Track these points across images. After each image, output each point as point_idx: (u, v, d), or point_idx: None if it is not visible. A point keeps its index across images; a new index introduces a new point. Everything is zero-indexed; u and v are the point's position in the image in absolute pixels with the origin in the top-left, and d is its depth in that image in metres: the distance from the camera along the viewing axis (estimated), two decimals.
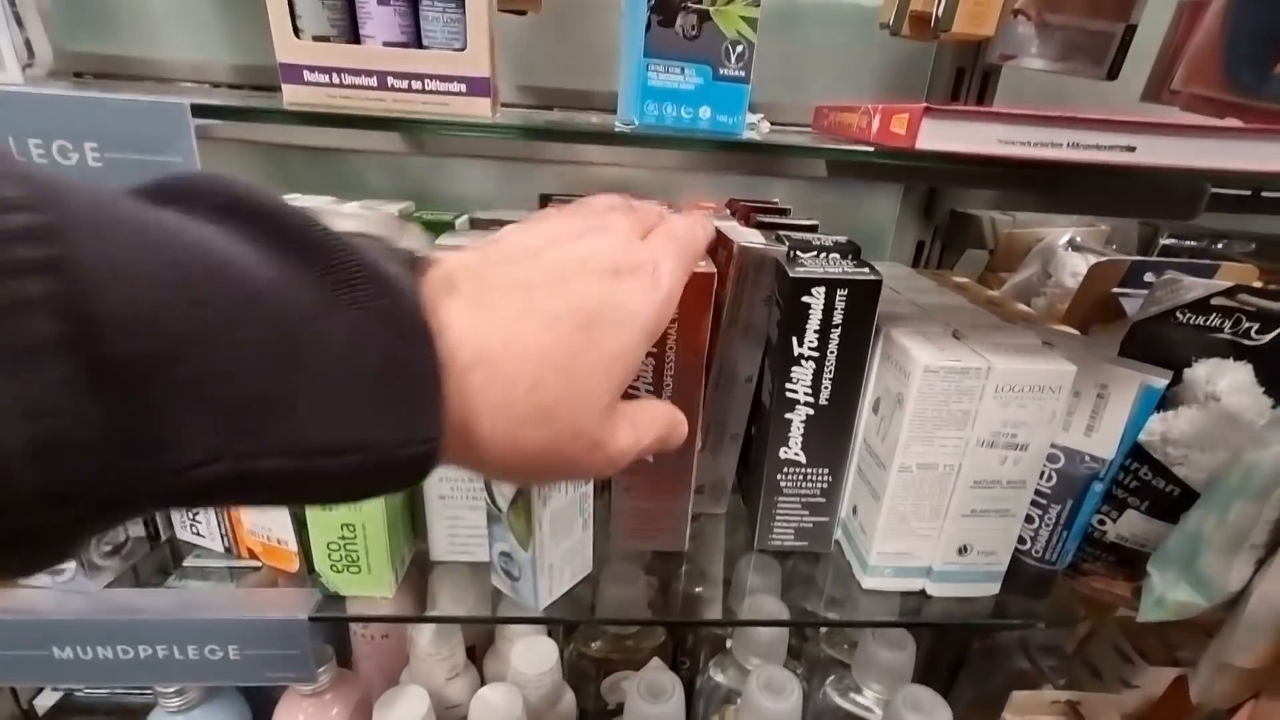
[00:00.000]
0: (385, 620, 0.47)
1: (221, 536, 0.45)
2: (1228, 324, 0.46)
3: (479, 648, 0.63)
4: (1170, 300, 0.46)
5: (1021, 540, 0.45)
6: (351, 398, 0.15)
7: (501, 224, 0.51)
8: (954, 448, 0.41)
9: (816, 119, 0.51)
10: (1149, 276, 0.53)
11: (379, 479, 0.16)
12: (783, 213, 0.61)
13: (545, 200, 0.65)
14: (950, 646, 0.71)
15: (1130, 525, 0.46)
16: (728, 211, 0.62)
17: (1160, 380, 0.41)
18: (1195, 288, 0.46)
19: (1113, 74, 0.52)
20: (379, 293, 0.16)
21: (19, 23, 0.35)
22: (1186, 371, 0.46)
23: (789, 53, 0.67)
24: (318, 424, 0.15)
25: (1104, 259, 0.53)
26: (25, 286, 0.11)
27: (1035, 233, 0.64)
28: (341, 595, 0.42)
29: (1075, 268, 0.59)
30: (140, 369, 0.13)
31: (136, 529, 0.45)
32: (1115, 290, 0.53)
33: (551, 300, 0.19)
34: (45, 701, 0.66)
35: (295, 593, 0.41)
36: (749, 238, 0.46)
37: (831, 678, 0.59)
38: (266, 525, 0.42)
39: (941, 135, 0.28)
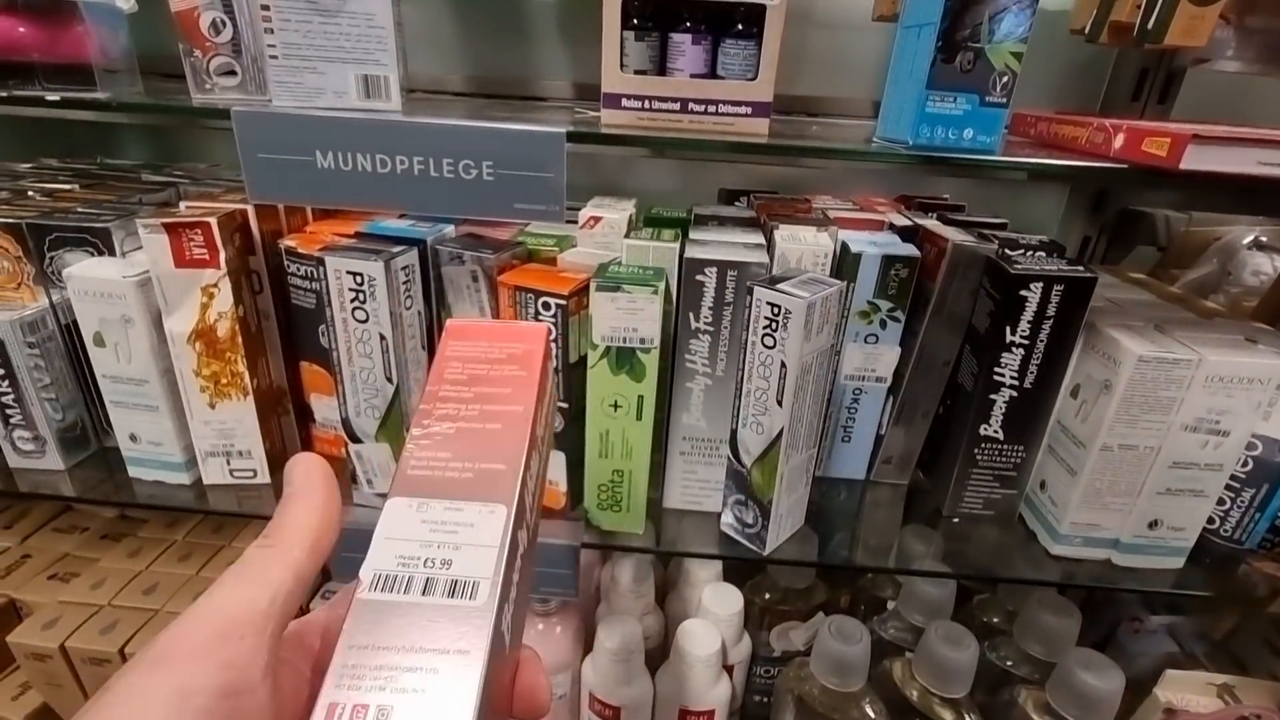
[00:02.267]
0: (645, 551, 0.56)
1: None
2: None
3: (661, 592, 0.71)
4: None
5: (1211, 520, 0.49)
6: None
7: (718, 220, 0.58)
8: (1157, 430, 0.45)
9: (1018, 127, 0.55)
10: None
11: None
12: (960, 209, 0.65)
13: (727, 195, 0.72)
14: (1097, 627, 0.74)
15: None
16: (902, 208, 0.67)
17: None
18: None
19: None
20: None
21: (399, 62, 0.44)
22: None
23: None
24: None
25: None
26: None
27: (1213, 231, 0.66)
28: (603, 529, 0.51)
29: (1258, 267, 0.61)
30: None
31: None
32: None
33: None
34: None
35: (567, 524, 0.51)
36: (957, 236, 0.51)
37: (986, 641, 0.64)
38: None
39: (1206, 159, 0.33)
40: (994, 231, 0.53)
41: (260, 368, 0.51)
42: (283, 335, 0.53)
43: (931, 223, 0.56)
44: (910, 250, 0.49)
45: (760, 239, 0.50)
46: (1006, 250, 0.49)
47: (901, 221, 0.56)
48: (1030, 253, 0.49)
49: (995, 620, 0.67)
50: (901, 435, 0.56)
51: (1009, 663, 0.62)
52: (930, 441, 0.56)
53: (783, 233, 0.49)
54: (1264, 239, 0.62)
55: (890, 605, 0.68)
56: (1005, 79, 0.38)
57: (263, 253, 0.50)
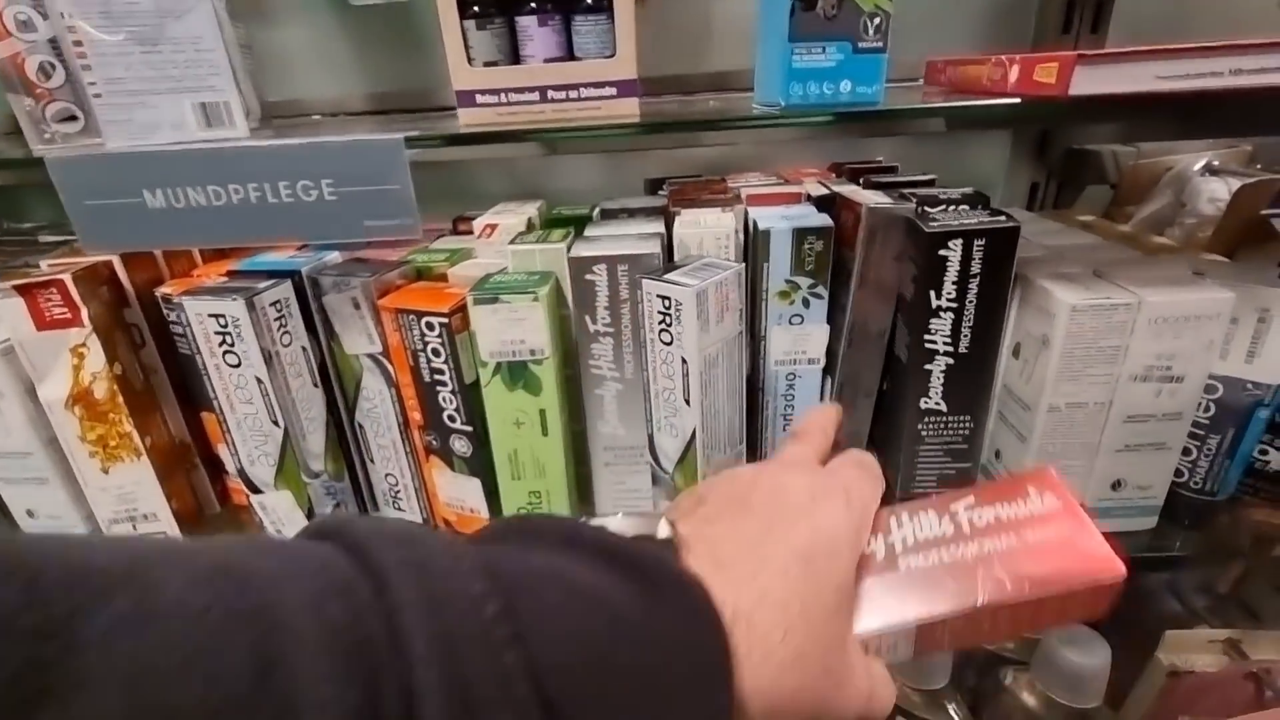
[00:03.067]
0: None
1: (420, 509, 0.51)
2: None
3: None
4: None
5: (1179, 472, 0.45)
6: (677, 684, 0.18)
7: (628, 211, 0.55)
8: (1104, 384, 0.42)
9: (930, 74, 0.51)
10: None
11: None
12: (891, 170, 0.61)
13: (651, 184, 0.68)
14: None
15: None
16: (833, 176, 0.63)
17: None
18: None
19: None
20: (679, 592, 0.19)
21: (239, 85, 0.41)
22: None
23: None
24: (666, 707, 0.18)
25: (1250, 180, 0.51)
26: (503, 658, 0.15)
27: (1163, 162, 0.62)
28: None
29: (1214, 194, 0.57)
30: (571, 699, 0.16)
31: (350, 507, 0.53)
32: (1265, 212, 0.51)
33: (774, 547, 0.21)
34: None
35: None
36: (873, 199, 0.47)
37: None
38: (460, 497, 0.48)
39: (1096, 80, 0.29)
40: (914, 190, 0.50)
41: (153, 425, 0.48)
42: (176, 387, 0.50)
43: (848, 188, 0.52)
44: (823, 220, 0.46)
45: (660, 228, 0.47)
46: (925, 208, 0.45)
47: (820, 191, 0.52)
48: (951, 207, 0.45)
49: None
50: (846, 416, 0.53)
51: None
52: (877, 419, 0.53)
53: (683, 218, 0.46)
54: (1216, 163, 0.58)
55: None
56: (878, 20, 0.34)
57: (138, 304, 0.47)
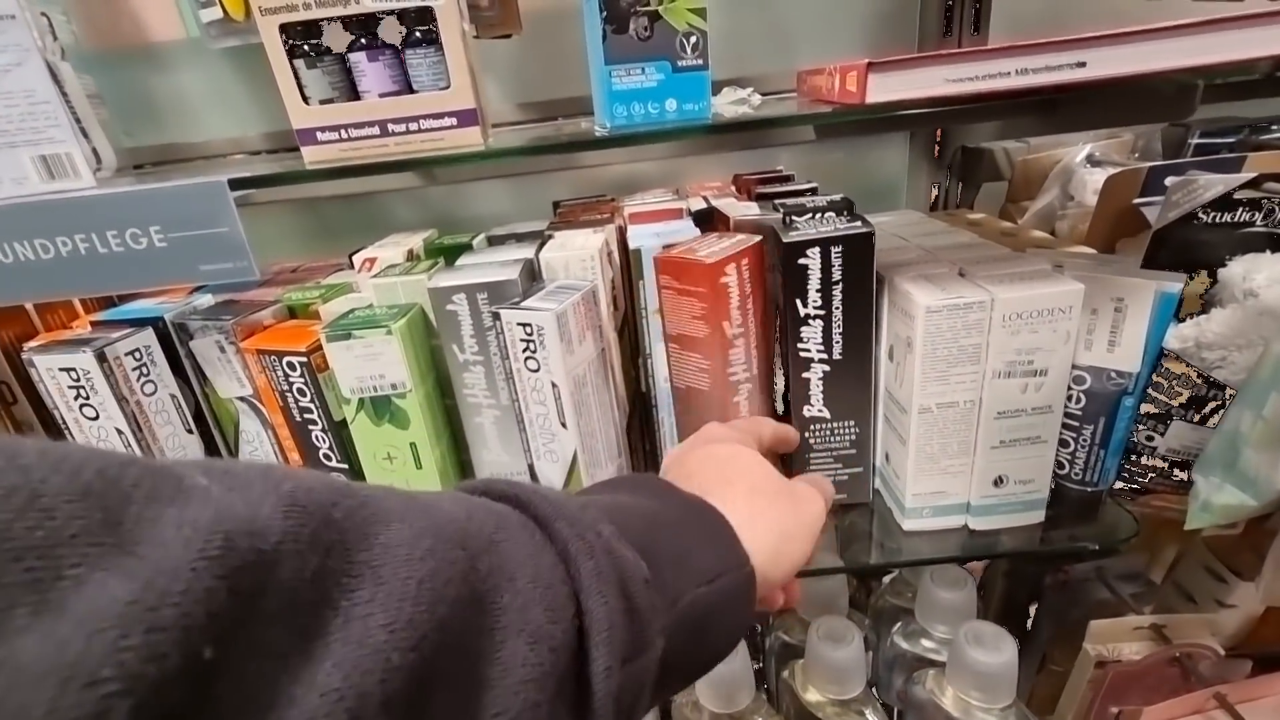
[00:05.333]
0: None
1: None
2: (1259, 216, 0.44)
3: None
4: (1190, 202, 0.45)
5: (1060, 465, 0.45)
6: (708, 551, 0.27)
7: (516, 237, 0.55)
8: (971, 383, 0.42)
9: (799, 84, 0.52)
10: (1171, 181, 0.51)
11: (738, 599, 0.27)
12: (785, 180, 0.62)
13: (557, 206, 0.68)
14: (1023, 584, 0.70)
15: (1180, 437, 0.46)
16: (732, 188, 0.64)
17: (1175, 285, 0.40)
18: (1214, 185, 0.44)
19: None
20: (689, 500, 0.29)
21: (85, 135, 0.41)
22: (1221, 271, 0.45)
23: (774, 20, 0.68)
24: (705, 563, 0.26)
25: (1117, 170, 0.52)
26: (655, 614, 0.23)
27: (1052, 155, 0.63)
28: None
29: (1096, 184, 0.57)
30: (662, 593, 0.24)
31: None
32: (1136, 201, 0.52)
33: (763, 484, 0.33)
34: None
35: None
36: (743, 211, 0.48)
37: (898, 625, 0.60)
38: None
39: (889, 87, 0.30)
40: (784, 200, 0.50)
41: None
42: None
43: (726, 201, 0.52)
44: (692, 235, 0.46)
45: (531, 253, 0.47)
46: (792, 217, 0.45)
47: (700, 206, 0.53)
48: (817, 215, 0.45)
49: (902, 602, 0.63)
50: None
51: (922, 644, 0.58)
52: None
53: (553, 242, 0.46)
54: (1097, 154, 0.59)
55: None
56: (695, 38, 0.34)
57: (5, 360, 0.46)
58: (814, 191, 0.55)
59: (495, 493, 0.23)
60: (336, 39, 0.38)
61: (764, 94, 0.56)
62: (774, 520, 0.31)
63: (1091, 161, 0.59)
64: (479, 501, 0.22)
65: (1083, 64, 0.28)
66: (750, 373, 0.44)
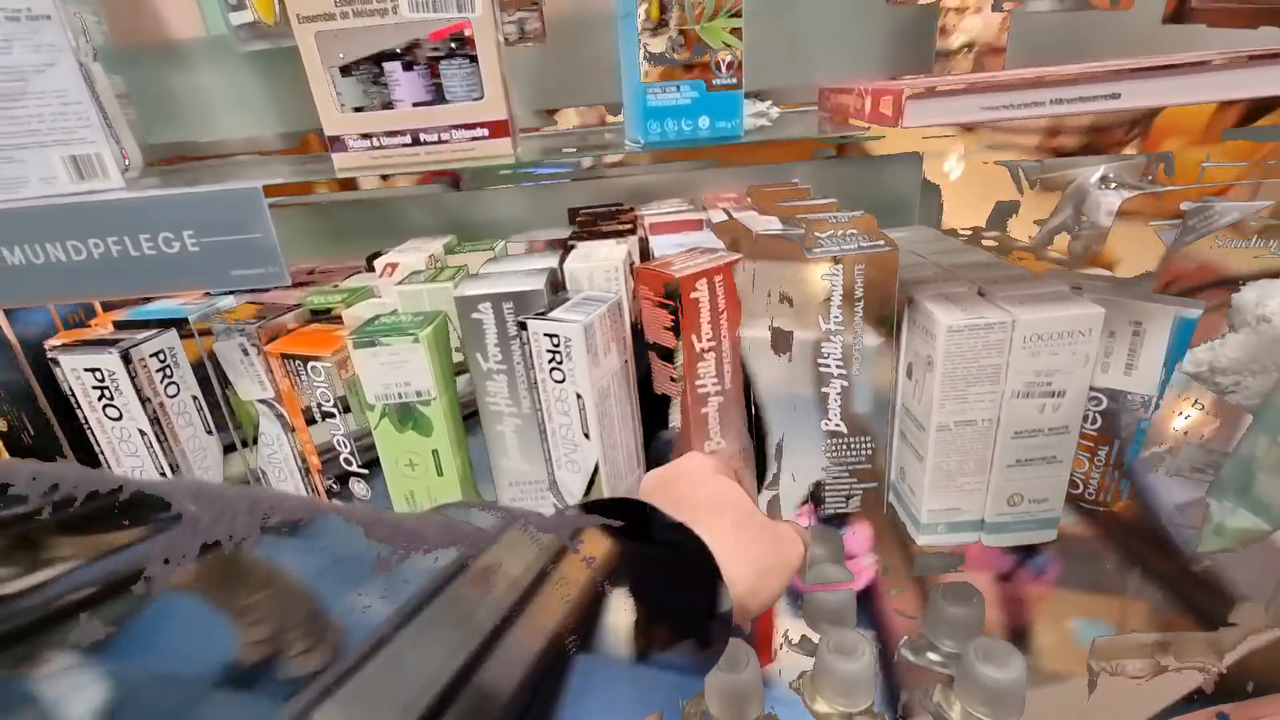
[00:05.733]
0: None
1: None
2: (1274, 244, 0.45)
3: None
4: (1205, 227, 0.46)
5: (1074, 484, 0.45)
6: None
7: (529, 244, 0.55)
8: (990, 402, 0.42)
9: (821, 101, 0.52)
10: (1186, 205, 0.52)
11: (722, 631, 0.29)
12: (802, 194, 0.62)
13: (573, 214, 0.69)
14: None
15: (1191, 459, 0.46)
16: (749, 200, 0.64)
17: (1194, 311, 0.41)
18: (1230, 211, 0.45)
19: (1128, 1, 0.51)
20: (688, 536, 0.30)
21: (114, 135, 0.41)
22: (1235, 296, 0.45)
23: (794, 34, 0.68)
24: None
25: (1132, 195, 0.53)
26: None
27: (1065, 175, 0.63)
28: None
29: (1110, 206, 0.58)
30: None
31: None
32: (1152, 224, 0.52)
33: (748, 519, 0.35)
34: None
35: None
36: (766, 226, 0.48)
37: (905, 638, 0.61)
38: None
39: (926, 113, 0.30)
40: (807, 215, 0.50)
41: None
42: (72, 441, 0.49)
43: (747, 213, 0.53)
44: (714, 245, 0.46)
45: (554, 262, 0.47)
46: (815, 234, 0.46)
47: (721, 218, 0.53)
48: (839, 233, 0.46)
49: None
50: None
51: (930, 658, 0.59)
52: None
53: (577, 251, 0.46)
54: (1110, 174, 0.59)
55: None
56: (729, 58, 0.35)
57: (24, 357, 0.46)
58: (833, 206, 0.55)
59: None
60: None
61: (782, 108, 0.57)
62: (755, 556, 0.33)
63: (1106, 183, 0.59)
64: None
65: (1117, 95, 0.29)
66: (721, 386, 0.44)
